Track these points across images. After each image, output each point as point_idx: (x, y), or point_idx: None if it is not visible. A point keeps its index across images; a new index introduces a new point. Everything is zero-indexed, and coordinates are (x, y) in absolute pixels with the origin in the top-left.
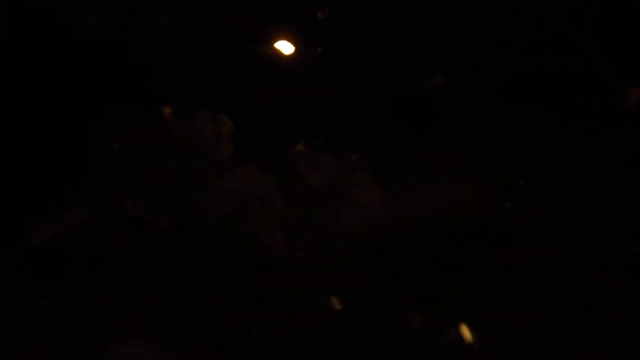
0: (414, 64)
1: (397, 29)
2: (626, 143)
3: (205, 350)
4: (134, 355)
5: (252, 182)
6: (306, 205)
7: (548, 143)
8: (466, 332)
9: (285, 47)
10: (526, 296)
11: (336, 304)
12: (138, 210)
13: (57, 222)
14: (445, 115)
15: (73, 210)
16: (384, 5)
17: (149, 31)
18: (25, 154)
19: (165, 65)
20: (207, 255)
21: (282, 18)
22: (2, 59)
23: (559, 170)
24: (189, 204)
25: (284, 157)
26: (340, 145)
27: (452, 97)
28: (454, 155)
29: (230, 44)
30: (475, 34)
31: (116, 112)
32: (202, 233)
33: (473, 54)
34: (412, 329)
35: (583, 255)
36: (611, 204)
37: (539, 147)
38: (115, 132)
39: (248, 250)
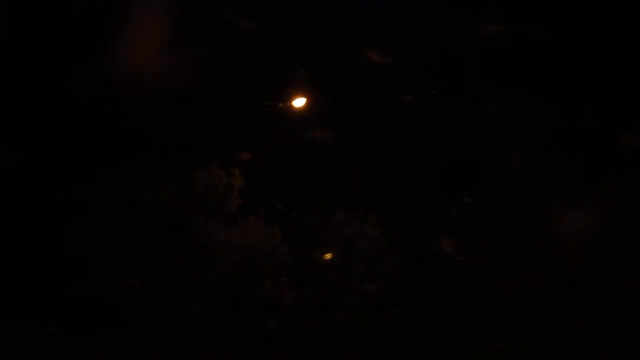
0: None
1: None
2: None
3: None
4: None
5: (258, 234)
6: (314, 257)
7: None
8: None
9: (299, 104)
10: None
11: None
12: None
13: None
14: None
15: None
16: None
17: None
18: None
19: (182, 122)
20: (216, 301)
21: (298, 77)
22: None
23: None
24: (198, 254)
25: (296, 212)
26: (353, 202)
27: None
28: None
29: (245, 101)
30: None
31: (131, 164)
32: (212, 282)
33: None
34: None
35: None
36: None
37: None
38: (130, 183)
39: (255, 299)
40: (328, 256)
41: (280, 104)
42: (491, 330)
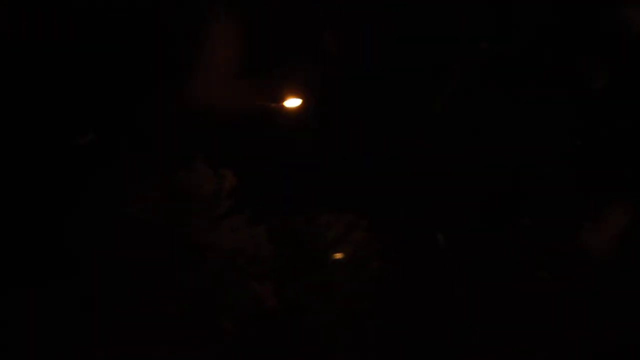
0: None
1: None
2: None
3: None
4: None
5: (242, 235)
6: (300, 259)
7: None
8: None
9: (293, 105)
10: None
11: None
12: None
13: None
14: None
15: None
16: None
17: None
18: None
19: (173, 121)
20: (197, 301)
21: (292, 78)
22: None
23: None
24: (183, 254)
25: (284, 215)
26: (341, 206)
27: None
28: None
29: (239, 102)
30: None
31: (120, 164)
32: (191, 281)
33: None
34: None
35: None
36: None
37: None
38: (117, 181)
39: (237, 300)
40: (338, 256)
41: (274, 105)
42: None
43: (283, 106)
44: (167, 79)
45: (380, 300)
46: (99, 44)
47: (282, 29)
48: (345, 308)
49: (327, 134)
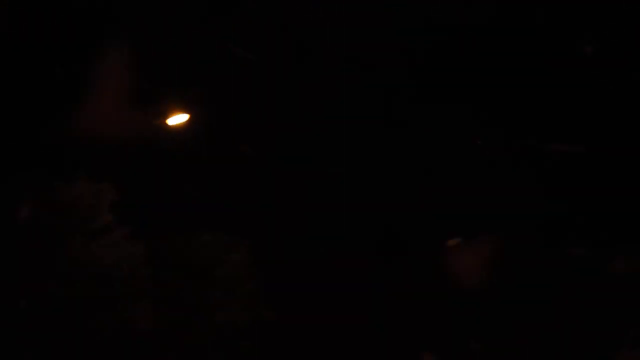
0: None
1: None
2: None
3: None
4: None
5: (119, 251)
6: (177, 281)
7: None
8: None
9: (178, 121)
10: None
11: None
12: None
13: None
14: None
15: None
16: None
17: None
18: None
19: (53, 134)
20: (68, 317)
21: (179, 94)
22: None
23: None
24: (53, 269)
25: (163, 232)
26: (219, 227)
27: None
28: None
29: (123, 116)
30: None
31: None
32: (64, 299)
33: None
34: None
35: None
36: None
37: None
38: None
39: (109, 319)
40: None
41: (159, 120)
42: None
43: (168, 122)
44: (50, 93)
45: (258, 321)
46: None
47: (171, 44)
48: (222, 328)
49: (211, 153)
